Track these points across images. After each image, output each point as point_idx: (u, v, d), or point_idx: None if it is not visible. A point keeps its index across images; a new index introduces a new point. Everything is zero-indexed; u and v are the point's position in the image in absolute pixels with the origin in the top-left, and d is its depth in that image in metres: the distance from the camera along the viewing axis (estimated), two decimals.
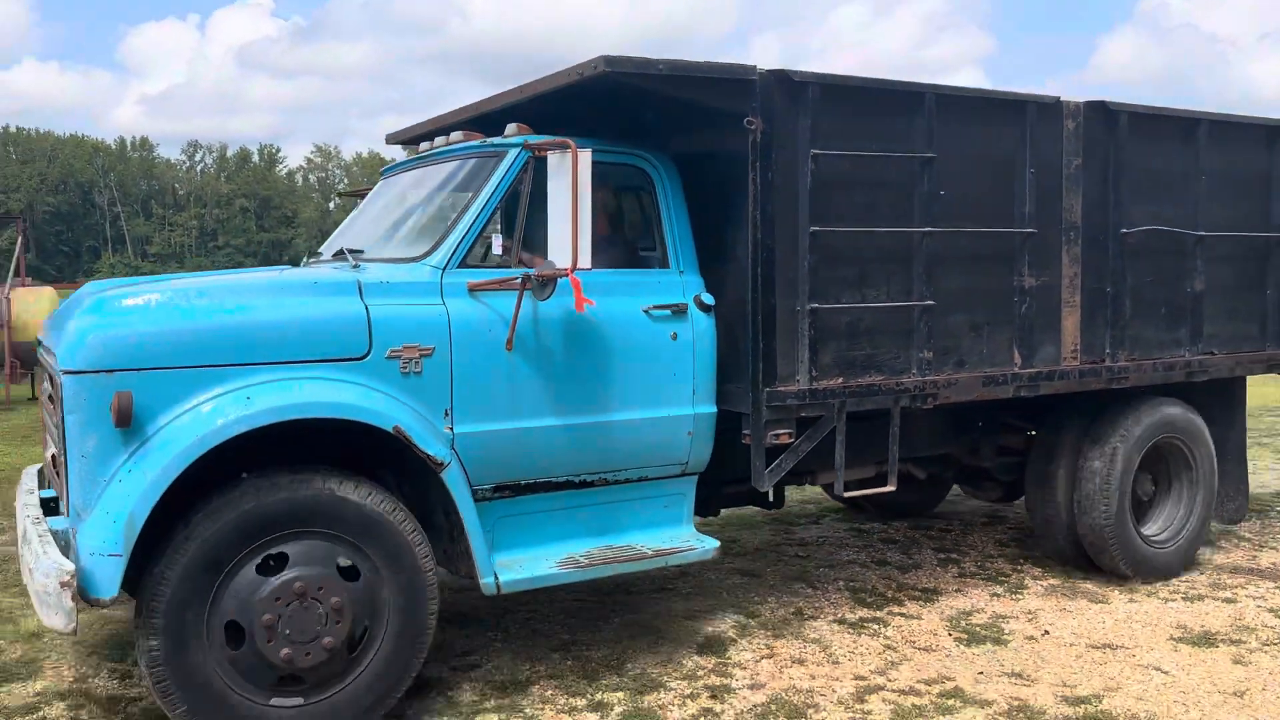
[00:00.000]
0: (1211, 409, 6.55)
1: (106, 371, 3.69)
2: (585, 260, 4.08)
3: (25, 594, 4.25)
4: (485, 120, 5.06)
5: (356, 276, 4.18)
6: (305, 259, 5.37)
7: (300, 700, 3.91)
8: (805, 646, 4.98)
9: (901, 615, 5.45)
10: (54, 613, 3.51)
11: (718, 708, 4.30)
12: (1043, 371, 5.52)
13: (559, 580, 4.43)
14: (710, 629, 5.21)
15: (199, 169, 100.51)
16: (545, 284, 4.21)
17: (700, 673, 4.66)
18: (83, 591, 3.56)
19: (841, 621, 5.33)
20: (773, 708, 4.29)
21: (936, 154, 5.04)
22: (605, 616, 5.43)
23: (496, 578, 4.23)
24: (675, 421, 4.72)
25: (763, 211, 4.64)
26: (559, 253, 4.11)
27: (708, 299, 4.80)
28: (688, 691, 4.45)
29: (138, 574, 3.74)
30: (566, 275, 4.13)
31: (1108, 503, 5.83)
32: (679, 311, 4.71)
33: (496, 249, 4.67)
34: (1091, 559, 6.01)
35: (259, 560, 3.82)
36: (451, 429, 4.19)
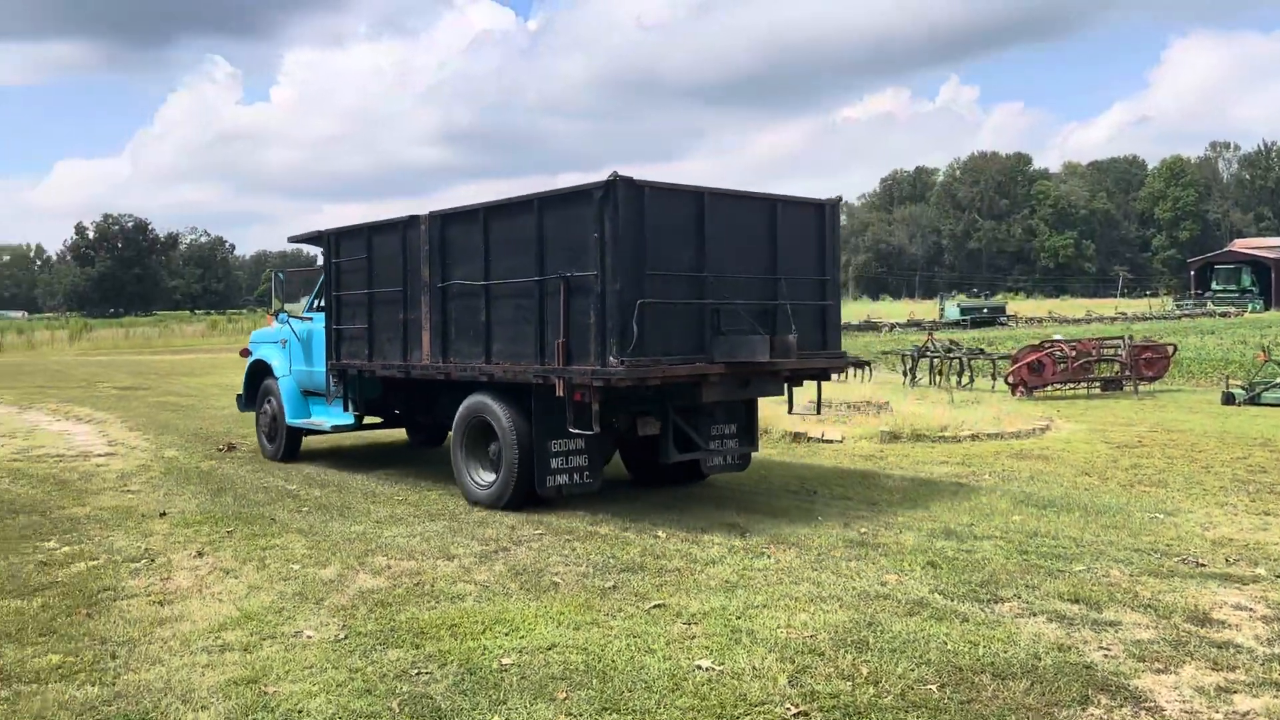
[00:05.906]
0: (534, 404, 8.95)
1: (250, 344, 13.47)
2: (297, 310, 12.01)
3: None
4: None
5: (292, 314, 12.74)
6: None
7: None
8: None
9: None
10: None
11: None
12: (410, 365, 10.00)
13: (297, 423, 12.15)
14: None
15: None
16: (300, 318, 12.17)
17: None
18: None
19: None
20: None
21: (369, 255, 10.53)
22: None
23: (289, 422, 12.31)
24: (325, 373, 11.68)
25: (329, 287, 11.29)
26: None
27: None
28: None
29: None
30: (279, 314, 12.07)
31: (452, 450, 9.65)
32: None
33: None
34: None
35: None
36: (290, 368, 12.45)
